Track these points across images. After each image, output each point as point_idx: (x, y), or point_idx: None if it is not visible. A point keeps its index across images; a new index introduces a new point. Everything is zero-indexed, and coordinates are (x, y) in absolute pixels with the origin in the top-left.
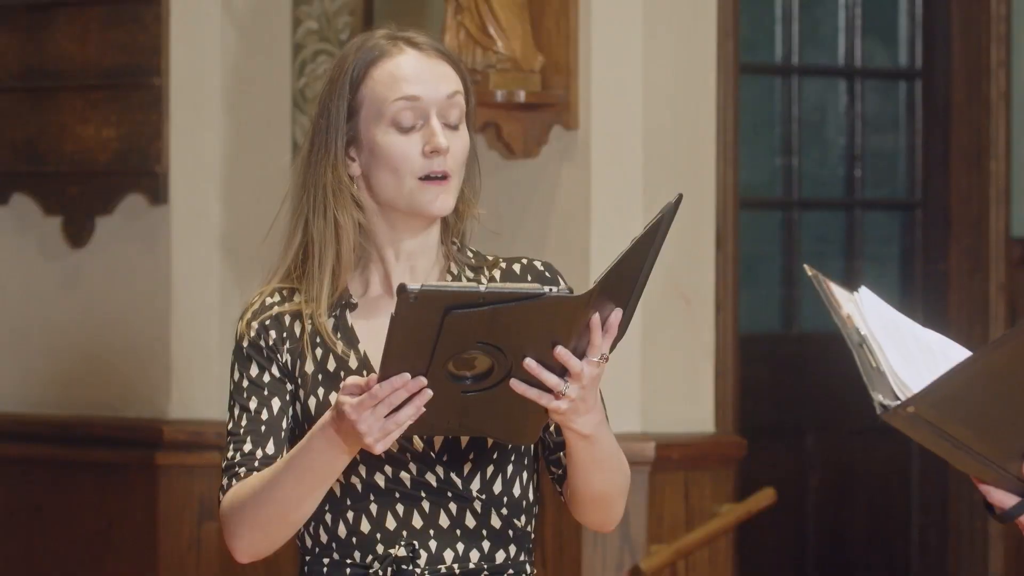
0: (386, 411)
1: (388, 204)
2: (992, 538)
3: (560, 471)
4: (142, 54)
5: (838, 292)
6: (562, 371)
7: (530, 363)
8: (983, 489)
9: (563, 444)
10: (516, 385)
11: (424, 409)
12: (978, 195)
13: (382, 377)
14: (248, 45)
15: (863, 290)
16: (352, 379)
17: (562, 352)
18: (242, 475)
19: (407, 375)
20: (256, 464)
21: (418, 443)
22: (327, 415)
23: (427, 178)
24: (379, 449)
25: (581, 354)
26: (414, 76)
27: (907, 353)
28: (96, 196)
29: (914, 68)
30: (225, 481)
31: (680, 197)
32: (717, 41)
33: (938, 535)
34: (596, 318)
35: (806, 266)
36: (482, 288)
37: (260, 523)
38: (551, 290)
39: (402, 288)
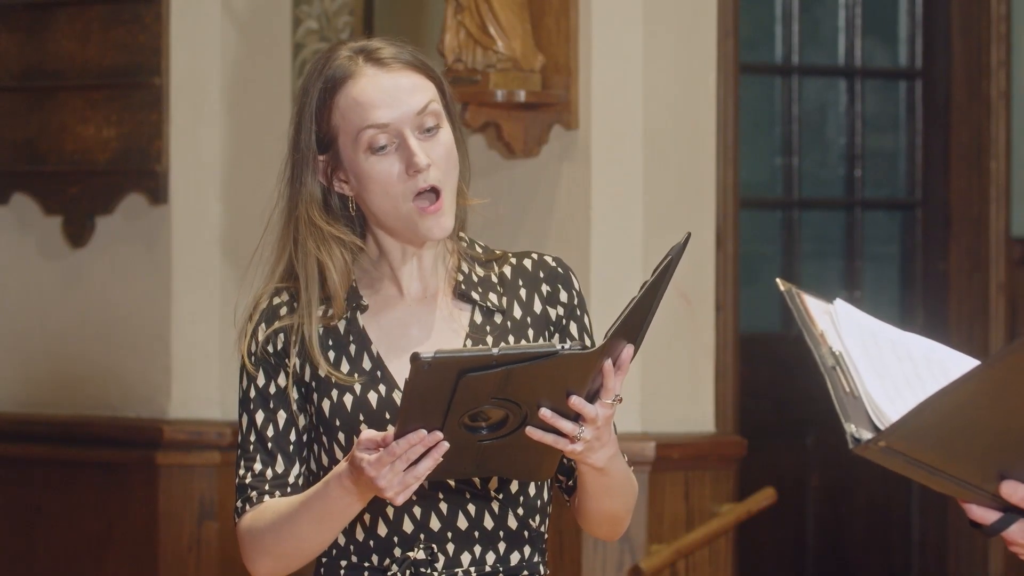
0: (404, 466)
1: (387, 227)
2: (992, 538)
3: (570, 482)
4: (142, 54)
5: (813, 305)
6: (576, 415)
7: (545, 413)
8: (965, 507)
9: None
10: (532, 432)
11: (441, 459)
12: (978, 195)
13: (399, 434)
14: (248, 45)
15: (838, 302)
16: (367, 434)
17: (577, 401)
18: (254, 499)
19: (423, 431)
20: (267, 486)
21: None
22: (342, 466)
23: (420, 196)
24: (399, 501)
25: (594, 395)
26: (379, 100)
27: (884, 369)
28: (96, 196)
29: (914, 68)
30: (239, 503)
31: (688, 236)
32: (717, 41)
33: (938, 535)
34: (608, 363)
35: (779, 280)
36: (495, 351)
37: (280, 554)
38: (563, 348)
39: (415, 357)
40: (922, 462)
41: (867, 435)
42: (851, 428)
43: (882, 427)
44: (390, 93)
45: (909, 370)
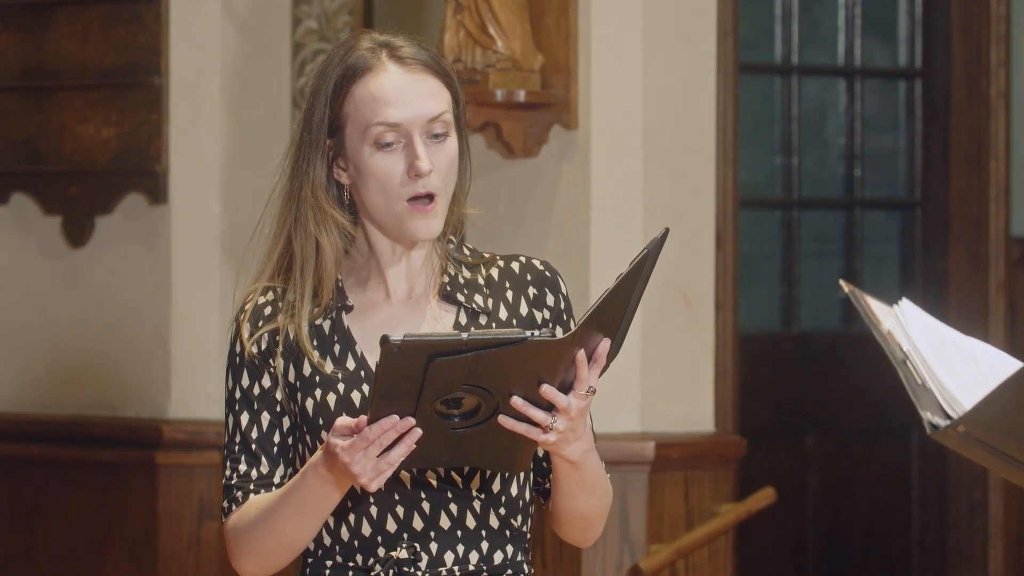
0: (377, 452)
1: (377, 223)
2: (991, 538)
3: (546, 484)
4: (142, 54)
5: (877, 307)
6: (550, 405)
7: (517, 401)
8: None
9: (550, 458)
10: (504, 421)
11: (415, 446)
12: (978, 195)
13: (372, 419)
14: (248, 45)
15: (904, 303)
16: (341, 420)
17: (548, 390)
18: (240, 499)
19: (396, 417)
20: (252, 486)
21: None
22: (318, 454)
23: (415, 199)
24: (373, 488)
25: (568, 386)
26: (395, 99)
27: (952, 366)
28: (96, 196)
29: (914, 68)
30: (225, 504)
31: (666, 231)
32: (717, 41)
33: (937, 534)
34: (581, 353)
35: (842, 282)
36: (464, 336)
37: (264, 551)
38: (533, 334)
39: (385, 339)
40: (1001, 451)
41: (942, 422)
42: (927, 415)
43: (954, 414)
44: (407, 94)
45: (975, 371)
